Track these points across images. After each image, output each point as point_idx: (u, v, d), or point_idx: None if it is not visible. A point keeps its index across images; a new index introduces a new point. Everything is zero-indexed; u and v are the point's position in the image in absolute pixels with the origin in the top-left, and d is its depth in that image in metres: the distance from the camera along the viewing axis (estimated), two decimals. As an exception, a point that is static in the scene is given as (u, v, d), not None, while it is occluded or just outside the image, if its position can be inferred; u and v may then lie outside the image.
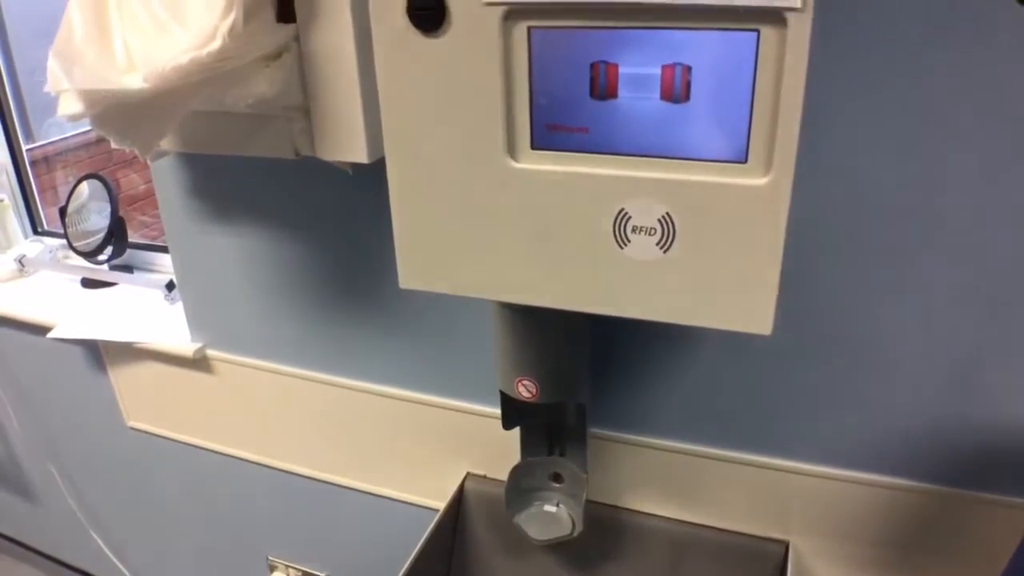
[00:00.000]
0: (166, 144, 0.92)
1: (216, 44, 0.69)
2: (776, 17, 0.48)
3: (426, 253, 0.63)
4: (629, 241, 0.56)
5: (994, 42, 0.67)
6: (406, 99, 0.57)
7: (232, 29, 0.70)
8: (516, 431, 0.95)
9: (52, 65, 0.79)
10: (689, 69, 0.51)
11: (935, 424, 0.85)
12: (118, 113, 0.78)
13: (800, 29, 0.48)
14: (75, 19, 0.79)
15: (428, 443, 1.16)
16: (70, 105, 0.78)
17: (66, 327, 1.40)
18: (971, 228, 0.75)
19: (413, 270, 0.64)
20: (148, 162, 1.05)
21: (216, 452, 1.39)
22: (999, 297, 0.77)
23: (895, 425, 0.87)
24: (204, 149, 0.91)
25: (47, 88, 0.80)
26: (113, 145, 0.94)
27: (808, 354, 0.87)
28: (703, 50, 0.50)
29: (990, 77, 0.68)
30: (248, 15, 0.71)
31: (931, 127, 0.72)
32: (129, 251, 1.58)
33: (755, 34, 0.49)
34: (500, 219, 0.59)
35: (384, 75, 0.57)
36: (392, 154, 0.60)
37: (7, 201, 1.75)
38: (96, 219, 1.58)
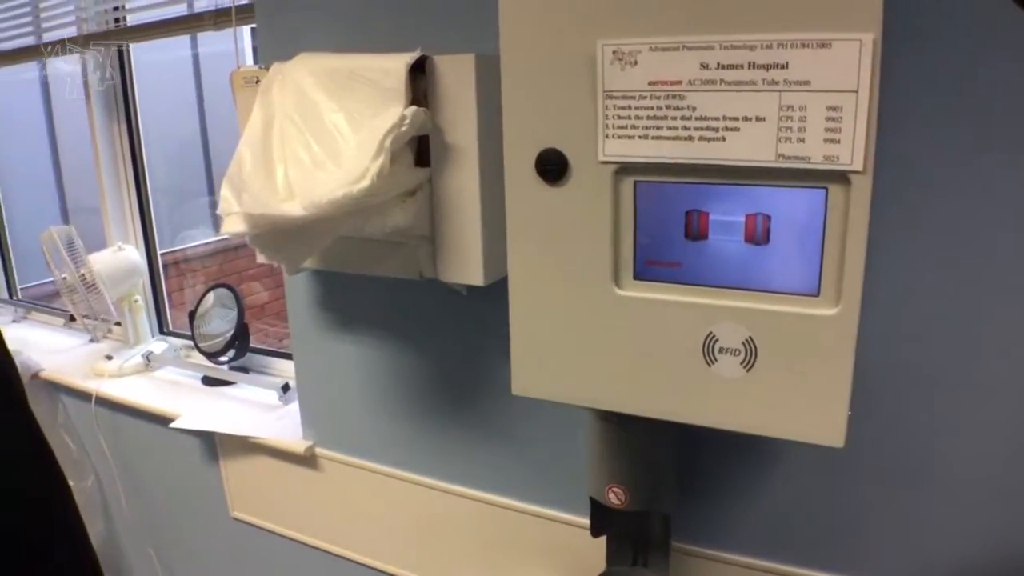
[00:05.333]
0: (307, 262, 1.06)
1: (366, 182, 0.83)
2: (842, 178, 0.58)
3: (538, 365, 0.73)
4: (716, 360, 0.65)
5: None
6: (530, 235, 0.69)
7: (380, 171, 0.83)
8: (601, 541, 1.00)
9: (224, 192, 0.93)
10: (769, 218, 0.61)
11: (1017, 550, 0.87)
12: (275, 235, 0.92)
13: (862, 187, 0.58)
14: (245, 155, 0.95)
15: (518, 549, 1.21)
16: (235, 225, 0.91)
17: (189, 418, 1.53)
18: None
19: (525, 380, 0.74)
20: (287, 276, 1.20)
21: (313, 547, 1.46)
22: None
23: (976, 548, 0.89)
24: (339, 268, 1.05)
25: (219, 211, 0.94)
26: (261, 260, 1.08)
27: (889, 476, 0.90)
28: (781, 203, 0.61)
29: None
30: (393, 159, 0.85)
31: (997, 268, 0.79)
32: (247, 354, 1.73)
33: (824, 191, 0.59)
34: (604, 338, 0.69)
35: (513, 215, 0.70)
36: (515, 279, 0.72)
37: (141, 302, 1.94)
38: (218, 323, 1.75)
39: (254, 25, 1.31)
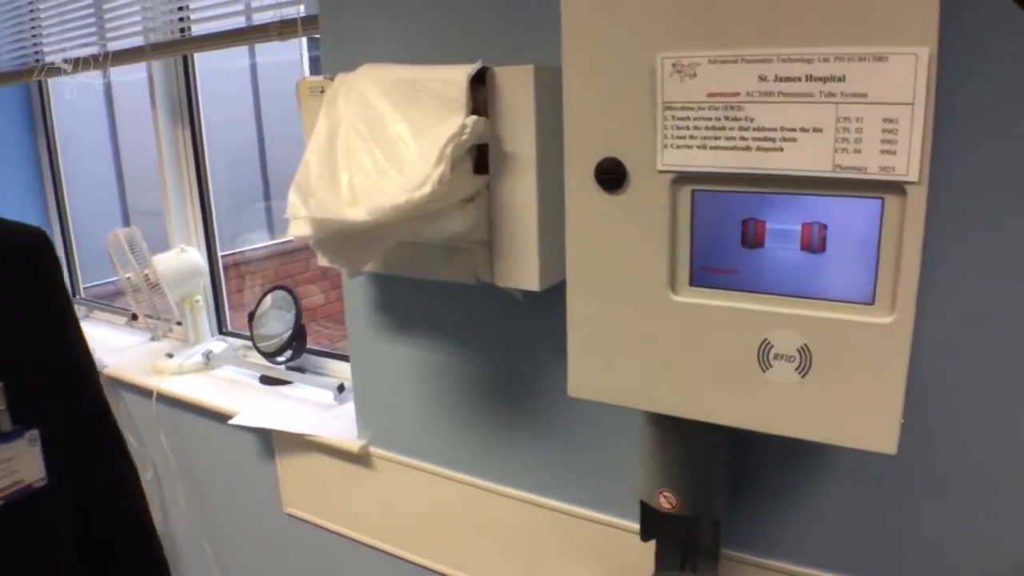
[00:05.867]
0: (367, 266, 1.09)
1: (427, 189, 0.86)
2: (897, 188, 0.59)
3: (594, 367, 0.75)
4: (771, 366, 0.67)
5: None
6: (589, 241, 0.72)
7: (441, 178, 0.86)
8: (650, 545, 1.01)
9: (292, 197, 0.96)
10: (825, 227, 0.63)
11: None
12: (339, 239, 0.96)
13: (917, 198, 0.59)
14: (311, 162, 0.98)
15: (567, 552, 1.23)
16: (302, 229, 0.95)
17: (247, 416, 1.58)
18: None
19: (582, 381, 0.76)
20: (346, 279, 1.24)
21: (365, 544, 1.50)
22: None
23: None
24: (397, 272, 1.08)
25: (286, 215, 0.98)
26: (322, 263, 1.12)
27: (945, 484, 0.89)
28: (837, 212, 0.62)
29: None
30: (453, 166, 0.88)
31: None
32: (304, 355, 1.78)
33: (880, 201, 0.60)
34: (660, 342, 0.71)
35: (572, 222, 0.72)
36: (573, 284, 0.74)
37: (202, 302, 2.01)
38: (274, 324, 1.80)
39: (312, 36, 1.36)
